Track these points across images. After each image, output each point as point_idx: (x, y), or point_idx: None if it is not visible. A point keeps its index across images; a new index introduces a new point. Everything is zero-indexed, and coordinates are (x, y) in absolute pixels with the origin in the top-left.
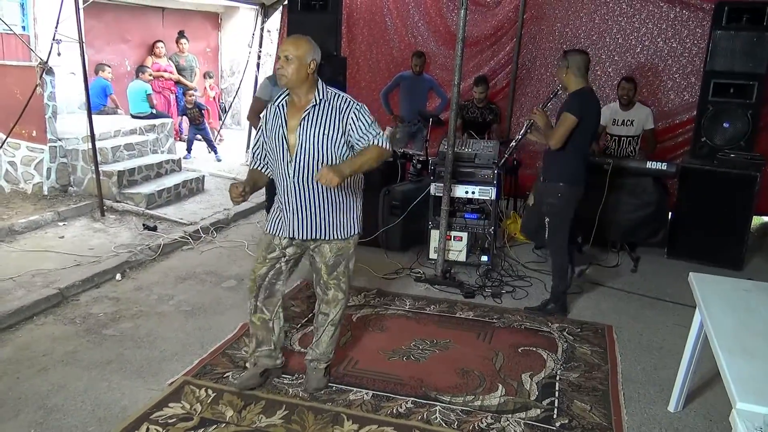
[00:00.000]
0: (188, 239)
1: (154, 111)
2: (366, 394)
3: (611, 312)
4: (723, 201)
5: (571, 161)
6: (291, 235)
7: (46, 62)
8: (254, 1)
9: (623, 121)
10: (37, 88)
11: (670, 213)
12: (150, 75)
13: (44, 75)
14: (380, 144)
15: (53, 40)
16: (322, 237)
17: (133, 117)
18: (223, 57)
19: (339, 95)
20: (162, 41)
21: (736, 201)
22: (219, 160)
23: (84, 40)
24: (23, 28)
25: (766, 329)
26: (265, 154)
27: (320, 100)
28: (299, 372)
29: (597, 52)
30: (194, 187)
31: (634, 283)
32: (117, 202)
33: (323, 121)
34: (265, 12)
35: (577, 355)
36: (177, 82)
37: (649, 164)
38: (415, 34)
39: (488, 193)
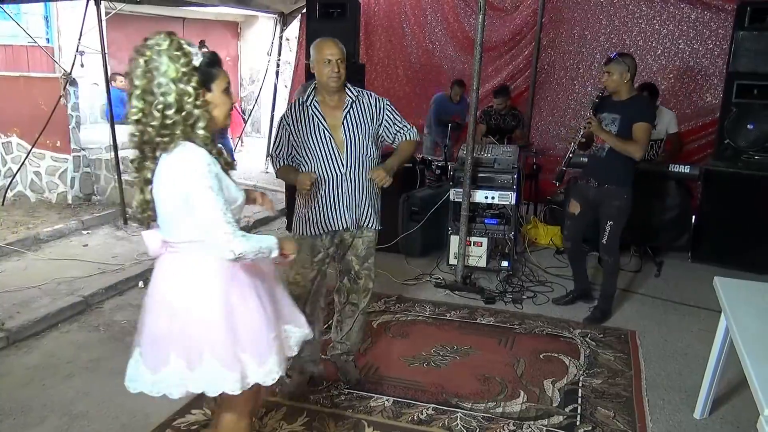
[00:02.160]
0: None
1: None
2: (387, 400)
3: (634, 317)
4: (748, 204)
5: (628, 165)
6: (345, 226)
7: (70, 73)
8: (273, 9)
9: None
10: (61, 99)
11: (693, 216)
12: None
13: (68, 86)
14: (413, 138)
15: (77, 51)
16: (368, 224)
17: None
18: (242, 65)
19: (362, 92)
20: None
21: (761, 203)
22: (234, 169)
23: (107, 52)
24: (47, 40)
25: None
26: (293, 153)
27: (355, 97)
28: (325, 378)
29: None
30: None
31: (657, 287)
32: None
33: (363, 116)
34: (284, 20)
35: (600, 361)
36: None
37: (672, 167)
38: (433, 40)
39: (508, 198)
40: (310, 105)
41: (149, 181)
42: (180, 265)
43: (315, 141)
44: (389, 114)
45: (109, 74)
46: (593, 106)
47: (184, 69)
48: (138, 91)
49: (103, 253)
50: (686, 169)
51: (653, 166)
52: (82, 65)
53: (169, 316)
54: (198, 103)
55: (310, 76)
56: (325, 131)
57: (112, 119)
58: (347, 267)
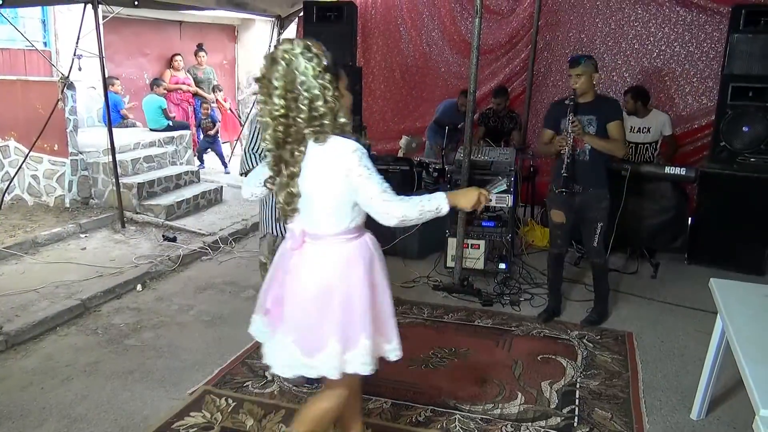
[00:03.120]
0: (207, 250)
1: (170, 123)
2: (385, 402)
3: (631, 319)
4: (744, 205)
5: (609, 168)
6: None
7: (68, 77)
8: (270, 13)
9: (639, 128)
10: (59, 102)
11: (689, 218)
12: (164, 89)
13: (65, 90)
14: None
15: (74, 55)
16: None
17: (152, 130)
18: (240, 69)
19: None
20: (180, 54)
21: (757, 205)
22: (227, 173)
23: (104, 55)
24: (45, 44)
25: None
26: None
27: None
28: (318, 381)
29: (613, 57)
30: (213, 198)
31: (654, 289)
32: (137, 213)
33: None
34: (281, 24)
35: (597, 363)
36: (195, 95)
37: (667, 169)
38: (430, 43)
39: (505, 200)
40: None
41: (297, 175)
42: (330, 254)
43: None
44: None
45: (106, 77)
46: (571, 110)
47: (319, 68)
48: (279, 91)
49: (101, 257)
50: (682, 171)
51: (649, 168)
52: (79, 69)
53: (325, 304)
54: (336, 95)
55: None
56: None
57: (110, 123)
58: None
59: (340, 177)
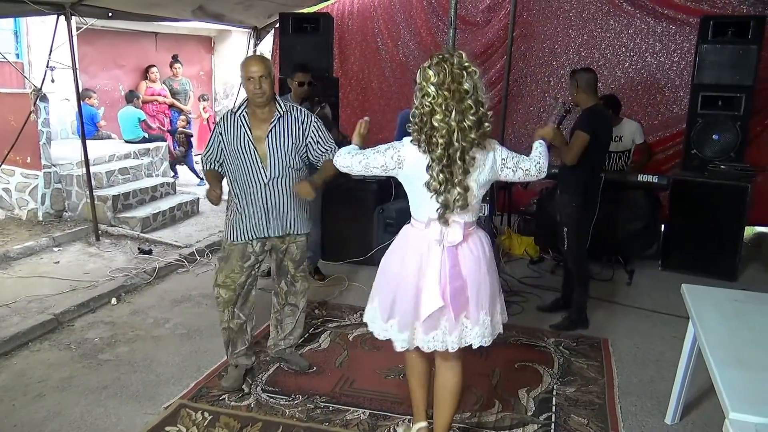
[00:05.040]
0: (183, 262)
1: (146, 135)
2: (363, 413)
3: (607, 325)
4: (715, 212)
5: (582, 175)
6: (269, 234)
7: (40, 89)
8: (246, 24)
9: (612, 137)
10: (31, 114)
11: (662, 225)
12: (140, 100)
13: (38, 102)
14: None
15: (47, 67)
16: (295, 231)
17: (127, 142)
18: (216, 80)
19: (295, 107)
20: (156, 66)
21: (728, 212)
22: (201, 185)
23: (78, 67)
24: (17, 55)
25: (758, 339)
26: (222, 159)
27: (284, 112)
28: (296, 393)
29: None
30: (189, 210)
31: (629, 296)
32: (112, 226)
33: (288, 131)
34: (258, 35)
35: (574, 370)
36: (171, 106)
37: (640, 177)
38: (406, 54)
39: (482, 209)
40: (240, 116)
41: (468, 172)
42: (482, 235)
43: (240, 151)
44: (316, 133)
45: (80, 89)
46: (560, 119)
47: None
48: (480, 108)
49: (75, 270)
50: (655, 179)
51: (622, 176)
52: (52, 80)
53: (489, 283)
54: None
55: (284, 89)
56: (250, 143)
57: (84, 135)
58: (284, 271)
59: (491, 171)
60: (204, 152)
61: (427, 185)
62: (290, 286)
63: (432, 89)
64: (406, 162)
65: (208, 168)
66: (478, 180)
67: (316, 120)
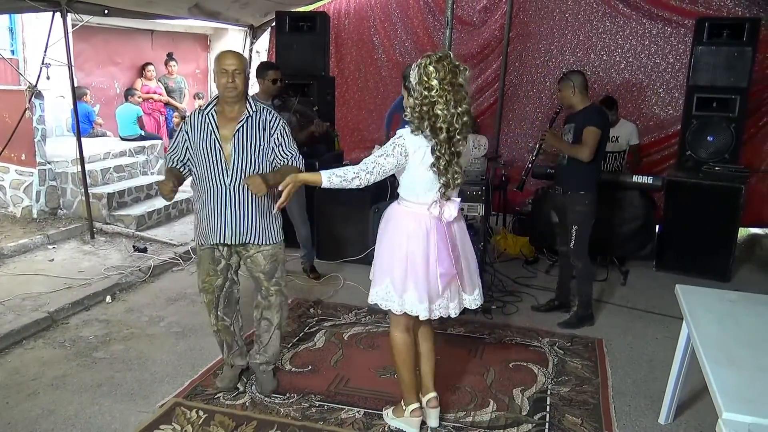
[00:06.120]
0: (178, 260)
1: (143, 133)
2: (358, 412)
3: (601, 325)
4: (709, 213)
5: (591, 172)
6: (224, 241)
7: (35, 86)
8: (243, 22)
9: (609, 136)
10: (27, 111)
11: (657, 226)
12: (139, 97)
13: (33, 99)
14: (299, 165)
15: (42, 63)
16: (255, 241)
17: (123, 139)
18: (212, 78)
19: (265, 109)
20: (152, 63)
21: (722, 213)
22: None
23: (73, 64)
24: (12, 52)
25: (751, 339)
26: (186, 158)
27: (254, 112)
28: (291, 391)
29: (582, 69)
30: (184, 208)
31: (623, 296)
32: (107, 224)
33: (256, 132)
34: (254, 33)
35: (568, 369)
36: (166, 104)
37: (635, 178)
38: (403, 53)
39: (477, 209)
40: (207, 114)
41: (461, 154)
42: (461, 217)
43: (204, 150)
44: (281, 137)
45: (75, 86)
46: (551, 121)
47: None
48: (468, 98)
49: (70, 268)
50: (649, 180)
51: (617, 177)
52: (47, 77)
53: (472, 254)
54: None
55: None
56: (216, 142)
57: (79, 132)
58: (258, 284)
59: (469, 153)
60: (168, 150)
61: (432, 166)
62: (265, 301)
63: (435, 83)
64: (409, 151)
65: (168, 165)
66: (464, 162)
67: (283, 124)
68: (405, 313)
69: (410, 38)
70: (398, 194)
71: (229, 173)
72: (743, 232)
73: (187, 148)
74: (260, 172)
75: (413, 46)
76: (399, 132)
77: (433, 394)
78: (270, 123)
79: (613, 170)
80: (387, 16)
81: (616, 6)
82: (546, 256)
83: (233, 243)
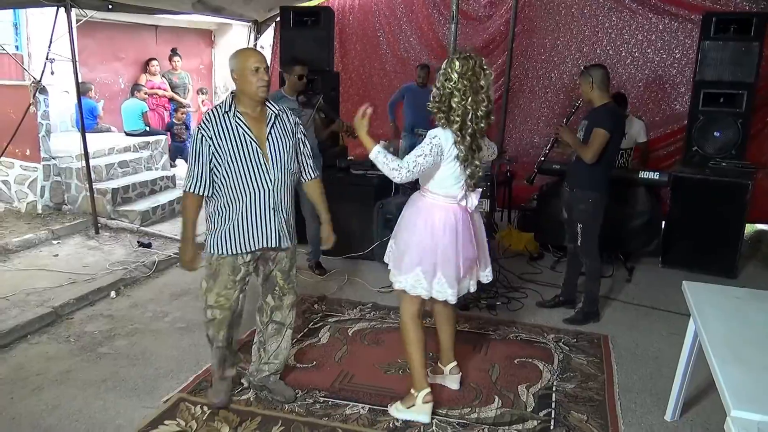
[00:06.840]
0: None
1: (148, 128)
2: (362, 408)
3: (606, 322)
4: (715, 209)
5: (598, 171)
6: (270, 245)
7: (40, 81)
8: (247, 17)
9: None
10: (31, 107)
11: (663, 222)
12: (145, 93)
13: (38, 94)
14: (318, 177)
15: (46, 59)
16: (292, 242)
17: (128, 134)
18: (216, 73)
19: (283, 108)
20: (156, 59)
21: (728, 209)
22: None
23: (77, 59)
24: (16, 47)
25: (759, 337)
26: (213, 169)
27: (278, 111)
28: (295, 387)
29: (588, 63)
30: None
31: (628, 292)
32: (111, 219)
33: (285, 132)
34: (258, 28)
35: (573, 366)
36: (171, 99)
37: (641, 174)
38: (407, 48)
39: (482, 205)
40: (233, 116)
41: (481, 149)
42: None
43: (239, 154)
44: (302, 141)
45: (79, 81)
46: (568, 116)
47: None
48: (489, 104)
49: (74, 263)
50: (656, 176)
51: (624, 172)
52: (52, 73)
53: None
54: None
55: (284, 83)
56: (253, 143)
57: (83, 127)
58: (270, 285)
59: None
60: (191, 174)
61: (457, 157)
62: (277, 301)
63: (455, 76)
64: (444, 149)
65: (198, 192)
66: (484, 156)
67: (302, 129)
68: (420, 296)
69: (415, 33)
70: (420, 186)
71: (272, 176)
72: (750, 228)
73: (212, 159)
74: (293, 171)
75: (418, 41)
76: (433, 132)
77: (454, 363)
78: (293, 125)
79: (618, 167)
80: (392, 11)
81: (623, 1)
82: (551, 252)
83: (272, 245)
